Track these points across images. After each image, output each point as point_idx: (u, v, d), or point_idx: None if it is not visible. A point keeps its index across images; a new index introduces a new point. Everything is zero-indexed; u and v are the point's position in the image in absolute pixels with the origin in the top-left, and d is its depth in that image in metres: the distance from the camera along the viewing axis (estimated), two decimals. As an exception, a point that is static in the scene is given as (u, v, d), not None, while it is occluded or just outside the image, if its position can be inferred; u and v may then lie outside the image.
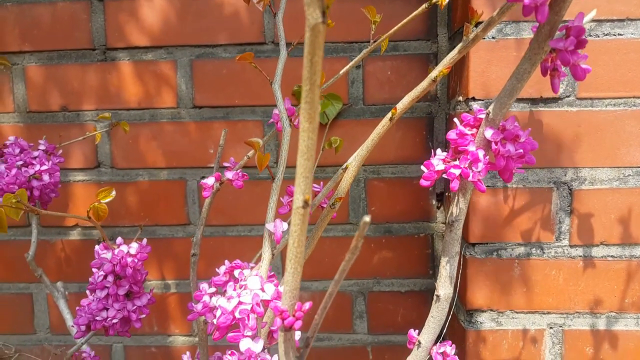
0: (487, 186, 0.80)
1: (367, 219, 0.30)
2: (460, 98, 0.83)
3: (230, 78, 0.96)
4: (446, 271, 0.56)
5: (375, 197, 0.98)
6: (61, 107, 0.98)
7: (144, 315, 0.66)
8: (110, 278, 0.63)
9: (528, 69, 0.47)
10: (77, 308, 0.68)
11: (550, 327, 0.81)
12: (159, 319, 1.02)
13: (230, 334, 0.45)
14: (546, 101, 0.79)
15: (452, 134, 0.52)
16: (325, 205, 0.65)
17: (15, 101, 0.99)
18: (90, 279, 0.64)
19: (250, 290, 0.45)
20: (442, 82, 0.96)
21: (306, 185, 0.32)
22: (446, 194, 0.96)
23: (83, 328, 0.68)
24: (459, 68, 0.84)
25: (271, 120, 0.58)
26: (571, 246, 0.80)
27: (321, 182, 0.66)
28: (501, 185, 0.80)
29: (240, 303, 0.45)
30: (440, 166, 0.50)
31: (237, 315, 0.45)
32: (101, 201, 0.56)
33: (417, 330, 0.63)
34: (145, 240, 0.66)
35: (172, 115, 0.98)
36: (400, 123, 0.96)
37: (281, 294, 0.47)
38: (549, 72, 0.50)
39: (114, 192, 0.57)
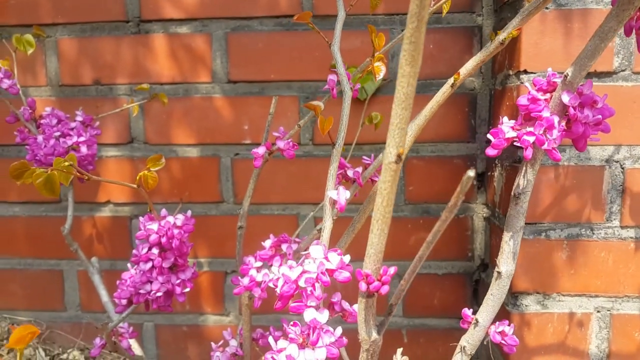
0: (537, 164, 0.77)
1: (471, 173, 0.28)
2: (511, 72, 0.80)
3: (266, 52, 0.94)
4: (509, 247, 0.53)
5: (413, 176, 0.95)
6: (94, 80, 0.96)
7: (187, 289, 0.64)
8: (155, 250, 0.61)
9: (614, 27, 0.43)
10: (118, 282, 0.66)
11: (598, 311, 0.78)
12: (191, 297, 1.00)
13: (292, 304, 0.43)
14: (600, 75, 0.76)
15: (522, 100, 0.49)
16: (376, 179, 0.62)
17: (48, 75, 0.97)
18: (133, 251, 0.63)
19: (313, 259, 0.43)
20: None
21: (401, 137, 0.29)
22: (488, 173, 0.93)
23: (124, 302, 0.66)
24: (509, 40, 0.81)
25: (326, 86, 0.55)
26: (622, 227, 0.77)
27: (372, 155, 0.63)
28: (550, 163, 0.77)
29: (304, 272, 0.42)
30: (510, 133, 0.47)
31: (300, 284, 0.43)
32: (151, 169, 0.54)
33: (470, 310, 0.60)
34: (190, 212, 0.64)
35: (206, 91, 0.96)
36: (441, 100, 0.93)
37: (345, 264, 0.45)
38: (634, 31, 0.47)
39: (163, 160, 0.55)
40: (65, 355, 1.00)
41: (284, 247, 0.63)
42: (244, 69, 0.95)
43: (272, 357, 0.42)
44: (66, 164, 0.46)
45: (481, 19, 0.91)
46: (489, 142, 0.92)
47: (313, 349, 0.42)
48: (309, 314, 0.42)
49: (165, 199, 0.98)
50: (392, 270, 0.31)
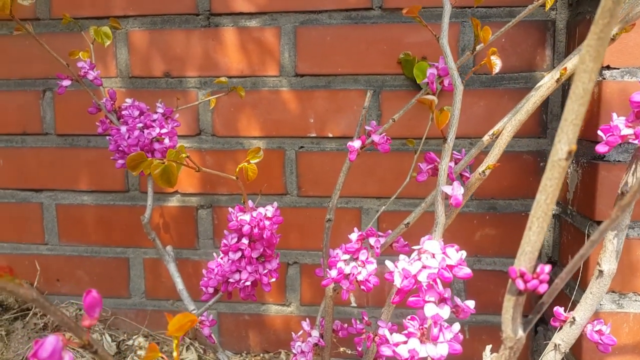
0: (618, 161, 0.76)
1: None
2: (592, 67, 0.78)
3: (333, 45, 0.94)
4: (613, 245, 0.53)
5: (480, 172, 0.94)
6: (164, 73, 0.98)
7: (274, 279, 0.65)
8: (245, 240, 0.62)
9: None
10: (204, 271, 0.68)
11: (676, 312, 0.77)
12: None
13: (410, 299, 0.44)
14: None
15: (636, 96, 0.48)
16: (466, 174, 0.62)
17: (118, 66, 0.99)
18: (223, 241, 0.64)
19: (430, 255, 0.43)
20: (558, 51, 0.90)
21: (574, 133, 0.29)
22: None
23: (211, 290, 0.68)
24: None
25: (425, 80, 0.55)
26: None
27: (462, 150, 0.63)
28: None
29: (424, 267, 0.43)
30: (626, 130, 0.47)
31: (420, 279, 0.43)
32: (250, 161, 0.54)
33: (562, 308, 0.60)
34: (275, 204, 0.65)
35: (273, 84, 0.96)
36: (510, 93, 0.91)
37: (463, 260, 0.45)
38: None
39: (261, 153, 0.55)
40: (130, 342, 1.03)
41: (371, 240, 0.63)
42: (311, 63, 0.95)
43: (392, 350, 0.43)
44: (184, 155, 0.47)
45: (555, 13, 0.90)
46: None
47: (435, 345, 0.42)
48: (430, 309, 0.42)
49: (230, 190, 0.99)
50: (547, 268, 0.31)
